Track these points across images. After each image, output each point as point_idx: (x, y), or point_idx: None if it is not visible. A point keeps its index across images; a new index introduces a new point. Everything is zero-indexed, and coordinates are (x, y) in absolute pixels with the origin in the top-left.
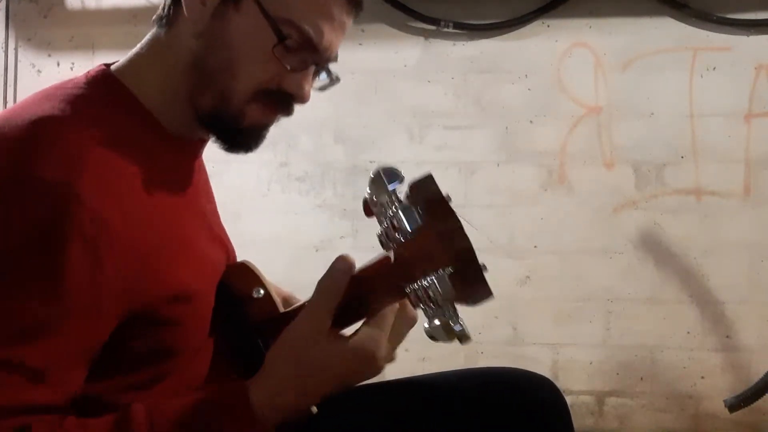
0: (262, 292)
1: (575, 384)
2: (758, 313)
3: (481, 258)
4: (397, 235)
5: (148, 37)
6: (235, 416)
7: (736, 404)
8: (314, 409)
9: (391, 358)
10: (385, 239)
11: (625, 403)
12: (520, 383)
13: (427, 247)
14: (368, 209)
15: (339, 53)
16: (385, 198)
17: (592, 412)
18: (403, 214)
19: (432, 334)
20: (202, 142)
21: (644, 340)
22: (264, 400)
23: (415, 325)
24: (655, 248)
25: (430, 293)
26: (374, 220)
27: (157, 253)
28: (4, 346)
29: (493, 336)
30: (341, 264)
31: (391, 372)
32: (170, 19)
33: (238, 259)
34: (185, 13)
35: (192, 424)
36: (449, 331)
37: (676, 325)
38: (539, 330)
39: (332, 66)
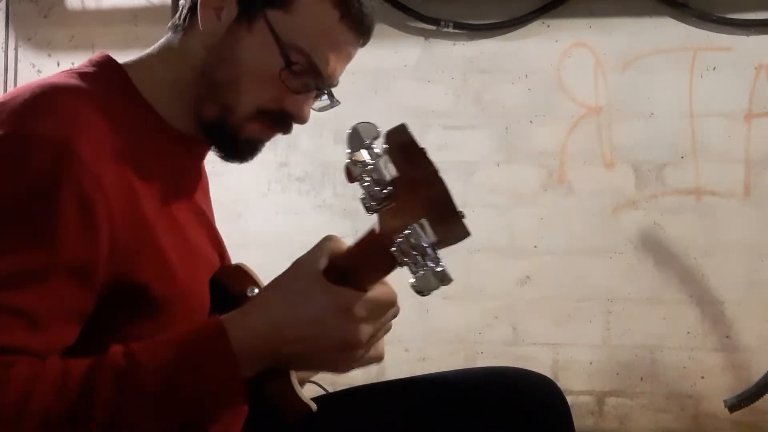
0: (256, 290)
1: (575, 384)
2: (758, 313)
3: (482, 258)
4: (377, 188)
5: (161, 41)
6: (210, 345)
7: (736, 404)
8: (314, 406)
9: (368, 348)
10: (368, 199)
11: (625, 403)
12: (521, 383)
13: (406, 195)
14: (350, 174)
15: None
16: (363, 154)
17: (592, 412)
18: (381, 165)
19: (419, 285)
20: (206, 145)
21: (644, 340)
22: (236, 323)
23: (415, 326)
24: (655, 248)
25: (411, 240)
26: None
27: (153, 234)
28: (1, 288)
29: (493, 336)
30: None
31: (391, 372)
32: (185, 27)
33: (234, 261)
34: (200, 24)
35: (169, 354)
36: (435, 275)
37: (676, 325)
38: (539, 330)
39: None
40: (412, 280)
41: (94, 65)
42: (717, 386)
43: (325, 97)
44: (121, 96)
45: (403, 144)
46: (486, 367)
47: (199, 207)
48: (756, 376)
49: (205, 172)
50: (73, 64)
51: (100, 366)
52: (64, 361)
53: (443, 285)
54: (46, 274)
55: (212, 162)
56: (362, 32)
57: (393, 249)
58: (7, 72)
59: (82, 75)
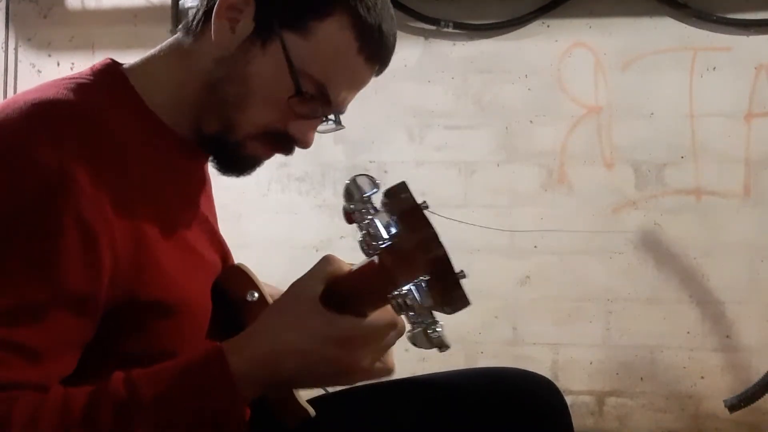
0: (256, 295)
1: (575, 384)
2: (758, 313)
3: (482, 258)
4: (374, 242)
5: (169, 41)
6: (210, 373)
7: (736, 404)
8: (312, 411)
9: (372, 369)
10: (365, 247)
11: (625, 403)
12: (520, 383)
13: (405, 256)
14: (349, 217)
15: None
16: (360, 206)
17: (592, 412)
18: (379, 223)
19: (413, 341)
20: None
21: (644, 340)
22: (236, 349)
23: None
24: (655, 248)
25: (408, 301)
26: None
27: (154, 245)
28: (1, 324)
29: (493, 336)
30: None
31: None
32: (197, 33)
33: (235, 262)
34: (212, 35)
35: (171, 382)
36: (428, 338)
37: (676, 325)
38: (539, 330)
39: None
40: (407, 333)
41: (94, 74)
42: (717, 386)
43: (331, 122)
44: (122, 106)
45: (403, 205)
46: (485, 367)
47: (202, 212)
48: (756, 376)
49: (209, 174)
50: (73, 64)
51: (100, 396)
52: (65, 392)
53: (440, 351)
54: (47, 307)
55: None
56: (381, 63)
57: (389, 296)
58: (7, 72)
59: (80, 86)
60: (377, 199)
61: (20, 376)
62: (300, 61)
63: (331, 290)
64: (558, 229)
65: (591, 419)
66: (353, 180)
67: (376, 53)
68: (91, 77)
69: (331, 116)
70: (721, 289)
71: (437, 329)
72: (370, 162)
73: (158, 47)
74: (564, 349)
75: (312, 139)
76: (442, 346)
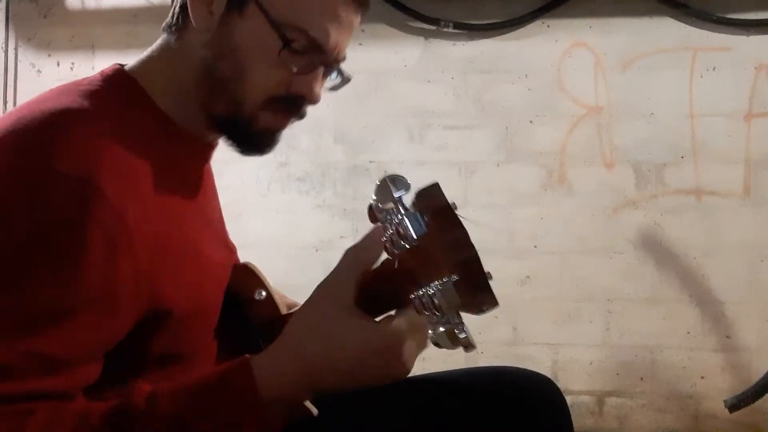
0: (264, 293)
1: (575, 384)
2: (758, 313)
3: (482, 258)
4: (402, 242)
5: (158, 42)
6: (236, 392)
7: (736, 404)
8: (314, 410)
9: (413, 361)
10: (390, 246)
11: (625, 403)
12: (521, 382)
13: (433, 255)
14: (373, 216)
15: None
16: (390, 205)
17: (592, 412)
18: (409, 222)
19: (436, 341)
20: (213, 147)
21: (644, 340)
22: (267, 370)
23: None
24: (655, 248)
25: (435, 301)
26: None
27: (168, 253)
28: (22, 333)
29: (493, 336)
30: (377, 233)
31: None
32: (179, 27)
33: (241, 261)
34: (193, 22)
35: (193, 401)
36: (454, 339)
37: (676, 325)
38: (539, 330)
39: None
40: (431, 333)
41: (105, 80)
42: (717, 386)
43: (336, 74)
44: (135, 110)
45: (435, 205)
46: (486, 366)
47: (209, 213)
48: (756, 376)
49: (211, 171)
50: (73, 64)
51: (121, 413)
52: (85, 406)
53: (465, 351)
54: (69, 315)
55: (212, 162)
56: None
57: (411, 297)
58: (7, 72)
59: (94, 93)
60: (407, 200)
61: (40, 385)
62: (279, 14)
63: (364, 291)
64: (558, 229)
65: (591, 419)
66: (384, 179)
67: None
68: (102, 83)
69: (331, 66)
70: (721, 289)
71: (465, 330)
72: (370, 162)
73: (148, 51)
74: (564, 349)
75: (319, 93)
76: (469, 346)
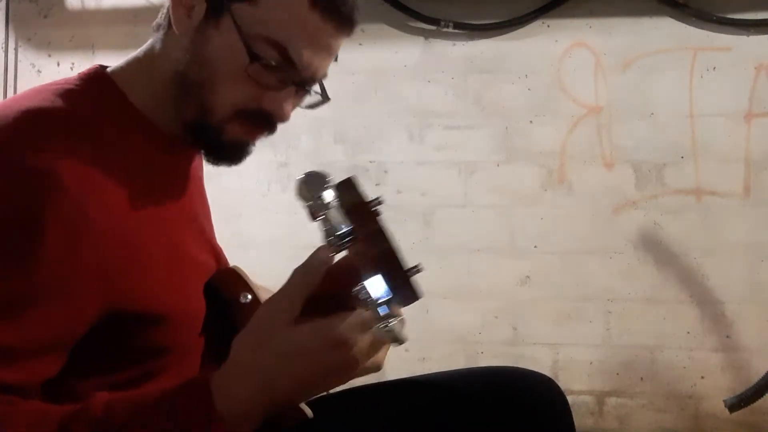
0: (249, 297)
1: (575, 384)
2: (758, 313)
3: (482, 258)
4: (331, 238)
5: (147, 42)
6: (193, 406)
7: (736, 404)
8: (310, 413)
9: (372, 356)
10: (326, 242)
11: (625, 403)
12: (521, 382)
13: (358, 251)
14: (312, 214)
15: (339, 53)
16: (313, 204)
17: (592, 412)
18: (332, 220)
19: (379, 335)
20: (194, 149)
21: (644, 340)
22: (225, 390)
23: (415, 326)
24: (655, 248)
25: (363, 295)
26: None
27: (141, 249)
28: None
29: (493, 336)
30: (321, 253)
31: (392, 372)
32: (166, 28)
33: (231, 264)
34: (173, 26)
35: (149, 413)
36: (383, 332)
37: (676, 325)
38: (539, 330)
39: (332, 67)
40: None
41: (81, 79)
42: (717, 386)
43: (314, 93)
44: (110, 109)
45: (351, 199)
46: (486, 366)
47: (192, 212)
48: (756, 376)
49: (201, 172)
50: (73, 64)
51: (77, 416)
52: (42, 407)
53: (395, 344)
54: (24, 304)
55: None
56: (341, 21)
57: (353, 292)
58: (7, 72)
59: (67, 92)
60: (328, 196)
61: None
62: (252, 28)
63: (315, 296)
64: (558, 229)
65: (591, 419)
66: (303, 177)
67: (332, 8)
68: (78, 83)
69: (303, 83)
70: (721, 289)
71: (390, 322)
72: (370, 162)
73: (137, 50)
74: (564, 349)
75: (288, 112)
76: (395, 340)
